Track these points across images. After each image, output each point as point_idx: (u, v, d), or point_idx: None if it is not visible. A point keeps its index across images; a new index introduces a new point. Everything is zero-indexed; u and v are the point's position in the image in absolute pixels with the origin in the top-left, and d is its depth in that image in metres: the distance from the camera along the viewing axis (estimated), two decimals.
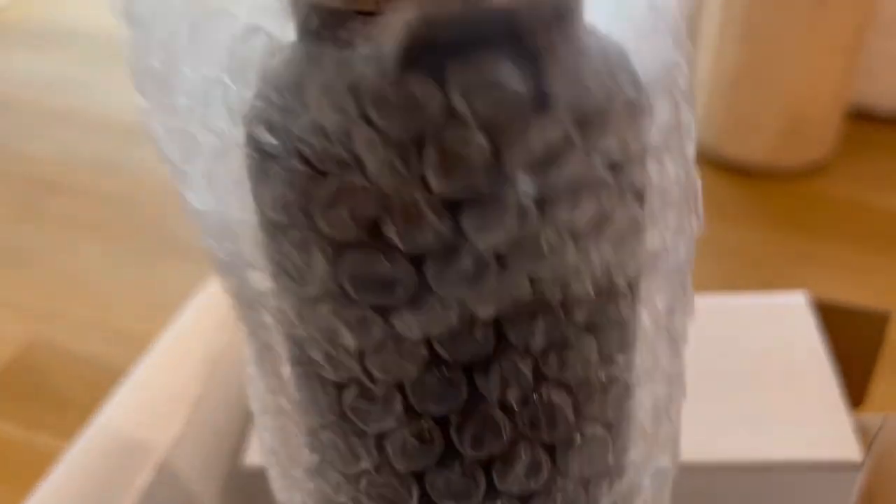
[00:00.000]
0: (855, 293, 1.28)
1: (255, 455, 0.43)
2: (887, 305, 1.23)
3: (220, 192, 0.25)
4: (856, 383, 0.42)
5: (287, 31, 0.22)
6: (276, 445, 0.28)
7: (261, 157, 0.21)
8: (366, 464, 0.24)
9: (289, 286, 0.23)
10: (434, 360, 0.21)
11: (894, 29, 1.59)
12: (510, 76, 0.16)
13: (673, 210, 0.24)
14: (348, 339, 0.21)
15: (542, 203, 0.18)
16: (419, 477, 0.23)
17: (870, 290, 1.31)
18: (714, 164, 1.57)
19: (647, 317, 0.24)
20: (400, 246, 0.18)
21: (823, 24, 1.37)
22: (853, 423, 0.36)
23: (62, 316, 1.22)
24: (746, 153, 1.54)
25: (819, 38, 1.38)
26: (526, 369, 0.21)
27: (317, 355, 0.23)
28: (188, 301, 0.53)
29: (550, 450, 0.23)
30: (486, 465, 0.22)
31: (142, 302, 1.19)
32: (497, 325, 0.21)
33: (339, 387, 0.23)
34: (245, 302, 0.27)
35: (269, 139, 0.20)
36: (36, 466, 0.60)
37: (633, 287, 0.23)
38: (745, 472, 0.36)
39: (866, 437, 0.37)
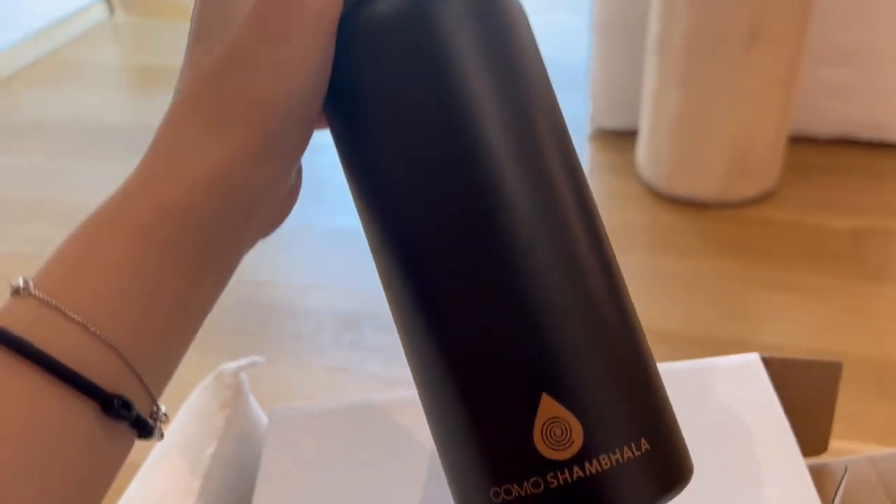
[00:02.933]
0: (811, 316, 1.34)
1: None
2: (845, 326, 1.29)
3: None
4: (817, 432, 0.46)
5: None
6: None
7: None
8: None
9: None
10: None
11: (827, 59, 1.68)
12: None
13: None
14: None
15: None
16: None
17: (825, 313, 1.36)
18: (667, 200, 1.64)
19: None
20: None
21: (757, 63, 1.44)
22: (813, 480, 0.39)
23: None
24: (697, 189, 1.60)
25: (754, 76, 1.46)
26: None
27: None
28: (175, 415, 0.51)
29: None
30: None
31: None
32: None
33: None
34: None
35: None
36: None
37: None
38: None
39: (831, 484, 0.41)
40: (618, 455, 0.24)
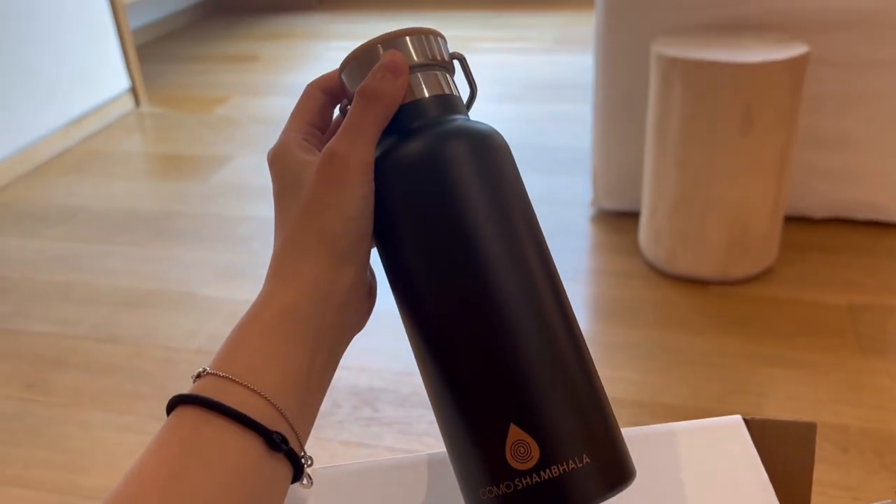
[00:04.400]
0: (812, 391, 1.39)
1: None
2: (845, 400, 1.33)
3: None
4: (799, 492, 0.51)
5: None
6: None
7: None
8: None
9: None
10: None
11: (818, 143, 1.77)
12: None
13: None
14: None
15: None
16: None
17: (825, 388, 1.41)
18: (669, 278, 1.71)
19: None
20: None
21: (751, 147, 1.53)
22: None
23: (74, 488, 1.28)
24: (697, 267, 1.67)
25: (749, 159, 1.54)
26: None
27: None
28: None
29: None
30: None
31: None
32: None
33: None
34: None
35: None
36: None
37: None
38: None
39: None
40: (565, 466, 0.35)
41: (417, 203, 0.38)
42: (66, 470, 1.30)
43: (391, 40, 0.40)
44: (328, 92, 0.42)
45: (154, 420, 1.40)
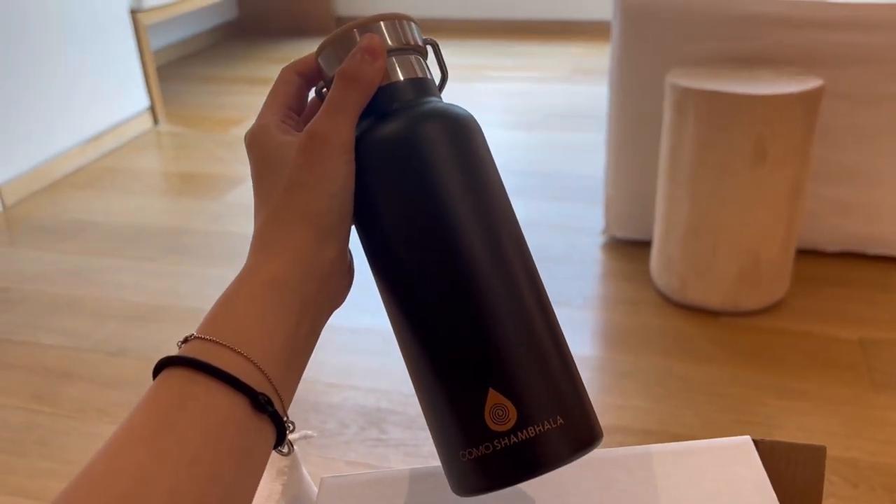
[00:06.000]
0: (822, 423, 1.37)
1: None
2: (856, 434, 1.32)
3: None
4: None
5: None
6: None
7: None
8: None
9: None
10: None
11: (831, 177, 1.77)
12: None
13: None
14: None
15: None
16: None
17: (836, 421, 1.40)
18: (680, 307, 1.70)
19: None
20: None
21: (763, 179, 1.53)
22: None
23: None
24: (708, 298, 1.67)
25: (761, 191, 1.54)
26: None
27: None
28: None
29: None
30: None
31: None
32: None
33: None
34: None
35: None
36: None
37: None
38: None
39: None
40: (540, 427, 0.37)
41: (396, 180, 0.39)
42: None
43: (366, 25, 0.42)
44: (303, 75, 0.43)
45: None
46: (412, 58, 0.43)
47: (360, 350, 1.60)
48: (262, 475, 0.36)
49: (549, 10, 3.94)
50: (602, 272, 1.86)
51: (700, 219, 1.60)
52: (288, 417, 0.37)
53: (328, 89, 0.42)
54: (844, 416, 1.39)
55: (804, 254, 1.82)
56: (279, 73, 0.43)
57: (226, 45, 4.08)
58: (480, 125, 0.43)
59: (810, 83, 1.50)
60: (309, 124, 0.40)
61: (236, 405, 0.34)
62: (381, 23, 0.42)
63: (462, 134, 0.41)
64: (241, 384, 0.34)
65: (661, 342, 1.60)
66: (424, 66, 0.44)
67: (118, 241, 2.11)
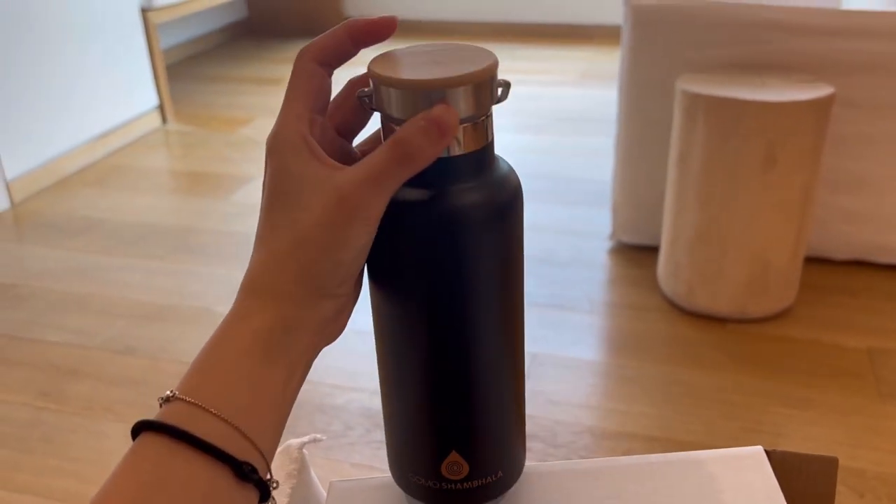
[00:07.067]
0: (828, 432, 1.37)
1: None
2: (863, 444, 1.32)
3: None
4: None
5: None
6: None
7: None
8: None
9: None
10: None
11: (841, 185, 1.76)
12: None
13: None
14: None
15: None
16: None
17: (842, 430, 1.39)
18: (687, 314, 1.70)
19: None
20: None
21: (773, 185, 1.52)
22: None
23: (84, 498, 1.27)
24: (716, 304, 1.66)
25: (771, 197, 1.54)
26: None
27: None
28: None
29: None
30: None
31: None
32: None
33: None
34: None
35: None
36: None
37: None
38: None
39: None
40: (484, 480, 0.43)
41: (426, 255, 0.37)
42: (76, 479, 1.30)
43: (453, 86, 0.35)
44: (325, 63, 0.38)
45: None
46: (484, 122, 0.37)
47: (365, 352, 1.59)
48: None
49: (560, 13, 3.94)
50: (609, 277, 1.86)
51: (708, 225, 1.60)
52: (271, 475, 0.35)
53: (378, 112, 0.37)
54: (851, 425, 1.38)
55: (813, 261, 1.81)
56: (297, 60, 0.38)
57: (235, 44, 4.09)
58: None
59: (821, 90, 1.50)
60: (342, 179, 0.35)
61: (219, 476, 0.32)
62: (472, 87, 0.35)
63: (507, 221, 0.38)
64: (224, 455, 0.32)
65: (668, 348, 1.59)
66: (489, 129, 0.38)
67: (125, 239, 2.11)
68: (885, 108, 1.66)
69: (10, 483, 1.31)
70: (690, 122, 1.55)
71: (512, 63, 3.58)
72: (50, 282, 1.91)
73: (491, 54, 0.37)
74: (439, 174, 0.36)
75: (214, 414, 0.32)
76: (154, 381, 1.53)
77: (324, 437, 0.51)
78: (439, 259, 0.37)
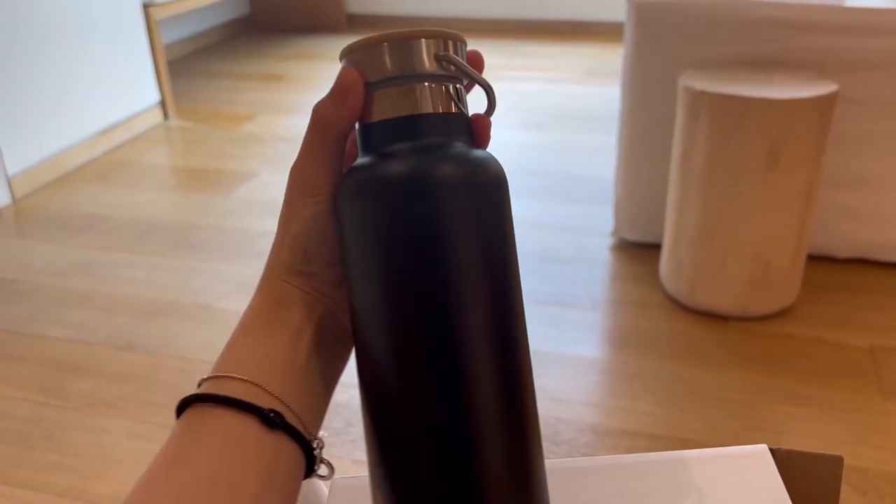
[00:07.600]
0: (830, 430, 1.37)
1: None
2: (864, 441, 1.31)
3: None
4: None
5: None
6: None
7: None
8: None
9: None
10: None
11: (843, 184, 1.76)
12: None
13: None
14: None
15: None
16: None
17: (844, 428, 1.39)
18: (689, 311, 1.69)
19: None
20: None
21: (776, 183, 1.52)
22: None
23: (85, 494, 1.27)
24: (718, 302, 1.66)
25: (773, 195, 1.54)
26: None
27: None
28: None
29: None
30: None
31: None
32: None
33: None
34: None
35: None
36: None
37: None
38: None
39: None
40: None
41: (382, 243, 0.34)
42: (77, 475, 1.30)
43: (401, 41, 0.35)
44: (346, 127, 0.38)
45: (168, 429, 1.39)
46: (449, 87, 0.36)
47: None
48: (295, 495, 0.36)
49: (563, 10, 3.93)
50: (611, 275, 1.86)
51: (711, 222, 1.59)
52: (314, 437, 0.38)
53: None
54: (853, 423, 1.38)
55: (815, 259, 1.81)
56: (327, 135, 0.38)
57: (237, 40, 4.09)
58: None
59: (825, 88, 1.49)
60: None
61: (247, 425, 0.35)
62: (423, 41, 0.35)
63: (484, 205, 0.35)
64: (246, 404, 0.35)
65: (670, 346, 1.59)
66: (461, 97, 0.37)
67: (127, 235, 2.11)
68: (887, 105, 1.66)
69: (11, 479, 1.31)
70: (693, 119, 1.55)
71: (514, 60, 3.58)
72: (51, 278, 1.91)
73: (447, 32, 0.37)
74: (395, 134, 0.35)
75: (235, 377, 0.36)
76: (155, 377, 1.53)
77: (325, 434, 0.51)
78: (395, 246, 0.34)
